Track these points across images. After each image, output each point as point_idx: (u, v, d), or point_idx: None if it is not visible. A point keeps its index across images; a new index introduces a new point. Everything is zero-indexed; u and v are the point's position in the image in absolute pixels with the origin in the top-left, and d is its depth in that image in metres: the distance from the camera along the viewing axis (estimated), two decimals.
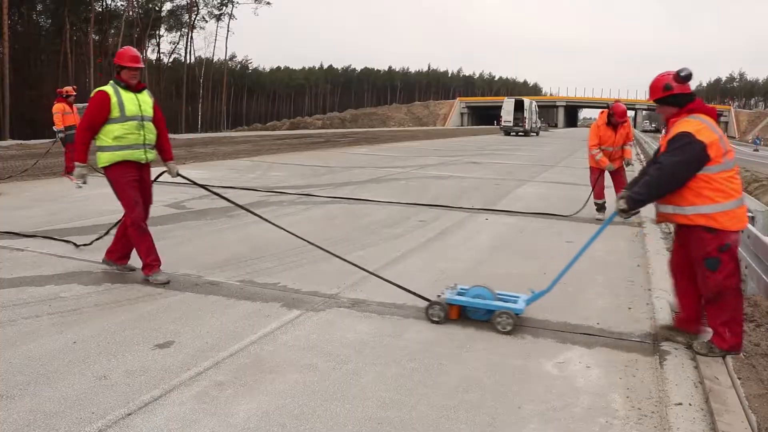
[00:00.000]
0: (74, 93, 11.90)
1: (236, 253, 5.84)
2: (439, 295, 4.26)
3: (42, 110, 46.00)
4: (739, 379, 3.30)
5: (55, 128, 11.56)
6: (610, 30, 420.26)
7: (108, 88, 4.78)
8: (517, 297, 4.19)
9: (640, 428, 2.83)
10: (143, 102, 4.90)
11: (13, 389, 2.96)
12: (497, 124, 56.36)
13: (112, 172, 4.82)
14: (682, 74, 3.60)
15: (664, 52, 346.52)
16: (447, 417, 2.86)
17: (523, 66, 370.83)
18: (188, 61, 74.05)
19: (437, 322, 4.10)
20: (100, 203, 8.41)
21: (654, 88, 3.77)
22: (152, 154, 5.03)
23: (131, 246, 4.98)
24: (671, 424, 2.85)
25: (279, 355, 3.48)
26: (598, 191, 8.59)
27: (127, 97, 4.79)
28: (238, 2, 79.04)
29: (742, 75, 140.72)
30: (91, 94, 4.84)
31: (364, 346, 3.68)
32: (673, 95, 3.67)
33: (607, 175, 8.63)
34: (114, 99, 4.72)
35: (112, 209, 7.97)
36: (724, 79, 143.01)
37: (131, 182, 4.84)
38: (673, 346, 3.83)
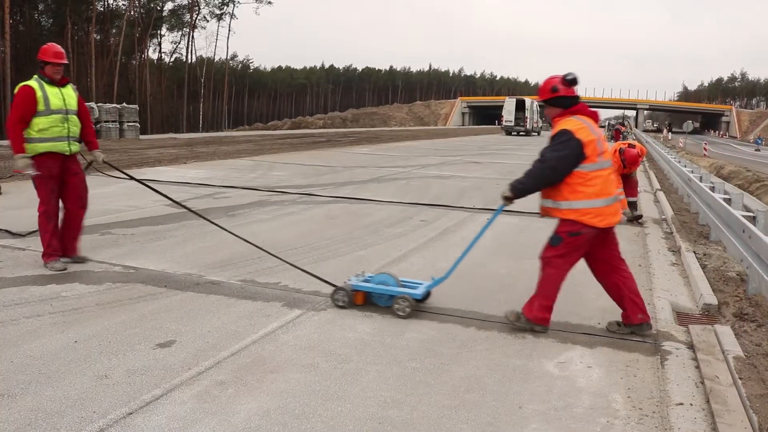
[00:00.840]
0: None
1: (237, 252, 5.84)
2: (345, 282, 4.46)
3: None
4: (741, 379, 3.29)
5: None
6: (611, 29, 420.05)
7: (32, 83, 4.99)
8: (419, 284, 4.44)
9: (641, 428, 2.83)
10: (67, 96, 5.11)
11: (14, 388, 2.96)
12: (498, 124, 56.37)
13: (36, 163, 5.01)
14: (568, 78, 3.89)
15: (665, 51, 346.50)
16: (448, 417, 2.86)
17: (524, 65, 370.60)
18: (189, 61, 74.01)
19: (342, 307, 4.34)
20: (101, 202, 8.42)
21: (543, 89, 4.01)
22: (76, 146, 5.24)
23: (72, 234, 5.24)
24: (672, 424, 2.85)
25: (280, 355, 3.49)
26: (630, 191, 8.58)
27: (52, 91, 5.00)
28: (239, 2, 79.29)
29: (743, 74, 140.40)
30: (16, 90, 5.02)
31: (365, 345, 3.68)
32: (559, 97, 3.92)
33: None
34: (39, 93, 4.93)
35: (114, 208, 7.98)
36: (725, 78, 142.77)
37: (52, 175, 5.06)
38: (674, 346, 3.83)
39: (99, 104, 24.48)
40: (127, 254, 5.61)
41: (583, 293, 4.92)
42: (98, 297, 4.40)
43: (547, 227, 7.74)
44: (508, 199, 4.01)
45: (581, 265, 5.88)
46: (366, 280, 4.47)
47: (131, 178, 6.15)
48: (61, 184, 5.15)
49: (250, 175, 12.73)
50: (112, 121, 23.50)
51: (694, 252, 6.40)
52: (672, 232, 7.71)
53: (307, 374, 3.25)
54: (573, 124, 3.81)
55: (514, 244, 6.77)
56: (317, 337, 3.79)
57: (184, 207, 6.13)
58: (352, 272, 5.23)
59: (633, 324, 3.98)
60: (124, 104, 26.28)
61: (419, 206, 9.04)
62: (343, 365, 3.38)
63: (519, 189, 3.94)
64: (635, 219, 8.33)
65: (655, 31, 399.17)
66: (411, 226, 7.49)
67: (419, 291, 4.30)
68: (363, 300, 4.39)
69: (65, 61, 5.06)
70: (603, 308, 4.55)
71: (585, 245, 3.92)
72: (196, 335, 3.73)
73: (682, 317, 4.48)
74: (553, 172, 3.84)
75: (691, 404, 3.05)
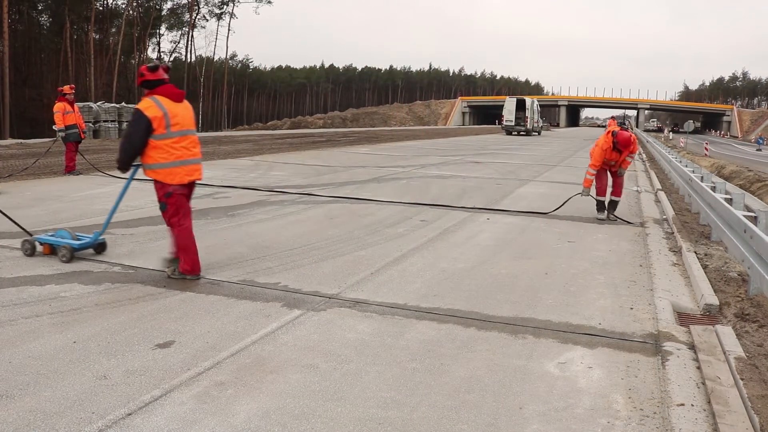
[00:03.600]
0: (71, 92, 11.89)
1: (237, 252, 5.83)
2: (33, 236, 5.51)
3: (42, 109, 46.08)
4: (742, 379, 3.28)
5: (55, 127, 11.56)
6: (612, 29, 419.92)
7: None
8: (86, 238, 5.42)
9: (642, 429, 2.82)
10: None
11: (13, 389, 2.95)
12: (499, 124, 56.34)
13: None
14: (150, 66, 4.88)
15: (666, 51, 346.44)
16: (448, 417, 2.85)
17: (524, 65, 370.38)
18: (189, 60, 73.98)
19: (29, 256, 5.35)
20: (101, 202, 8.41)
21: (137, 74, 5.02)
22: None
23: None
24: (673, 425, 2.84)
25: (280, 355, 3.48)
26: (599, 189, 8.61)
27: None
28: (239, 1, 79.18)
29: (745, 74, 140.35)
30: None
31: (365, 346, 3.67)
32: (145, 80, 4.83)
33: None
34: None
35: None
36: (727, 78, 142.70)
37: None
38: (675, 346, 3.82)
39: (98, 104, 24.46)
40: (126, 254, 5.60)
41: (583, 293, 4.91)
42: (97, 297, 4.39)
43: (547, 227, 7.80)
44: (120, 170, 4.87)
45: (581, 265, 5.87)
46: (52, 235, 5.49)
47: None
48: None
49: (250, 175, 12.72)
50: (111, 121, 23.50)
51: (695, 252, 6.39)
52: (673, 232, 7.70)
53: (307, 375, 3.24)
54: (144, 104, 4.71)
55: (515, 244, 6.76)
56: (317, 337, 3.78)
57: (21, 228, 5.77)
58: (351, 272, 5.23)
59: (185, 274, 4.84)
60: (124, 104, 26.29)
61: (419, 206, 9.03)
62: (342, 366, 3.37)
63: (120, 161, 4.84)
64: (613, 219, 8.44)
65: (656, 31, 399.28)
66: (411, 226, 7.48)
67: (78, 243, 5.30)
68: (49, 251, 5.38)
69: None
70: (603, 308, 4.54)
71: (182, 199, 4.85)
72: (195, 335, 3.72)
73: (683, 318, 4.47)
74: (129, 143, 4.75)
75: (692, 405, 3.04)
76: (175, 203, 4.79)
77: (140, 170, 4.89)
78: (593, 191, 8.70)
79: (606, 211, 8.54)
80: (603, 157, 8.39)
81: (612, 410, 2.98)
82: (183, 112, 4.84)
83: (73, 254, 5.27)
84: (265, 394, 3.01)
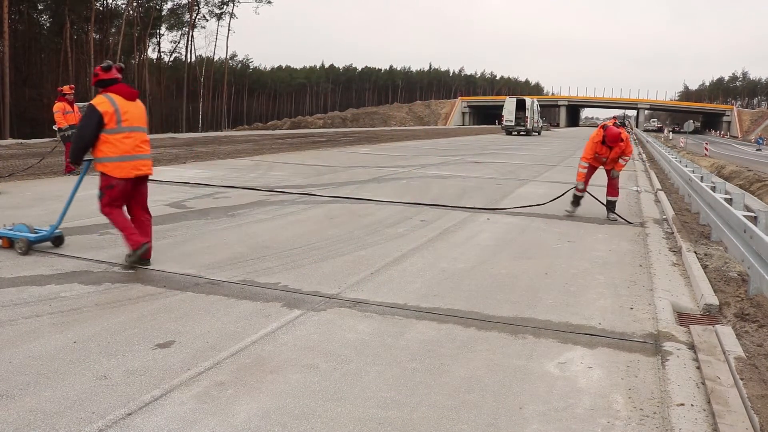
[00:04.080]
0: (71, 92, 11.90)
1: (237, 252, 5.83)
2: None
3: (42, 109, 46.05)
4: (742, 379, 3.28)
5: (55, 127, 11.56)
6: (612, 29, 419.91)
7: None
8: (43, 231, 5.65)
9: (642, 429, 2.82)
10: None
11: (13, 389, 2.95)
12: (499, 124, 56.33)
13: None
14: (103, 66, 5.22)
15: (666, 51, 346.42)
16: (448, 417, 2.85)
17: (524, 65, 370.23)
18: (189, 60, 74.01)
19: None
20: None
21: (92, 74, 5.27)
22: None
23: None
24: (673, 425, 2.84)
25: (280, 355, 3.48)
26: (585, 183, 8.77)
27: None
28: (239, 1, 79.18)
29: (744, 74, 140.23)
30: None
31: (365, 346, 3.67)
32: (99, 80, 5.15)
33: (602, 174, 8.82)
34: None
35: None
36: (726, 78, 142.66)
37: None
38: (675, 346, 3.82)
39: None
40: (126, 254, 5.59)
41: (583, 293, 4.91)
42: (97, 297, 4.39)
43: (547, 227, 7.80)
44: (73, 164, 5.21)
45: (581, 265, 5.87)
46: (11, 229, 5.68)
47: None
48: None
49: (250, 175, 12.72)
50: None
51: (695, 252, 6.39)
52: (673, 232, 7.70)
53: (307, 375, 3.24)
54: (98, 100, 5.04)
55: (515, 244, 6.76)
56: (317, 337, 3.78)
57: None
58: (351, 272, 5.23)
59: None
60: None
61: (419, 206, 9.03)
62: (342, 366, 3.37)
63: (72, 153, 5.17)
64: (614, 219, 8.52)
65: (656, 31, 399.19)
66: (411, 226, 7.48)
67: (34, 236, 5.52)
68: (8, 244, 5.61)
69: None
70: (603, 308, 4.55)
71: (123, 192, 5.13)
72: (195, 335, 3.72)
73: (683, 317, 4.47)
74: (81, 137, 5.06)
75: (692, 405, 3.04)
76: (112, 195, 5.11)
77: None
78: (601, 190, 8.78)
79: (609, 212, 8.60)
80: (594, 150, 8.52)
81: (612, 410, 2.98)
82: (134, 109, 5.17)
83: (30, 246, 5.50)
84: (265, 394, 3.01)
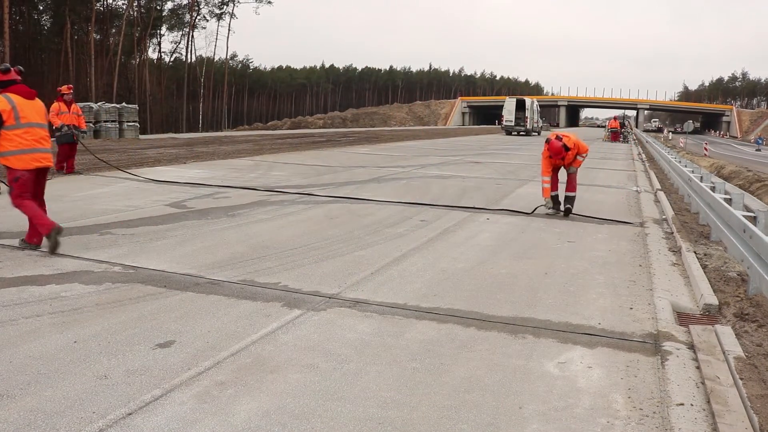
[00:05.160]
0: (68, 92, 11.89)
1: (237, 252, 5.84)
2: None
3: None
4: (741, 379, 3.29)
5: (54, 127, 11.56)
6: (612, 29, 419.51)
7: None
8: None
9: (642, 429, 2.82)
10: None
11: (13, 389, 2.96)
12: (499, 124, 56.33)
13: None
14: (2, 68, 5.57)
15: (666, 51, 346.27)
16: (448, 417, 2.85)
17: (524, 65, 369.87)
18: (189, 61, 74.06)
19: None
20: (101, 203, 8.41)
21: None
22: None
23: None
24: (673, 424, 2.85)
25: (280, 355, 3.48)
26: (552, 185, 8.92)
27: None
28: (239, 1, 79.17)
29: (744, 74, 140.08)
30: None
31: (365, 346, 3.67)
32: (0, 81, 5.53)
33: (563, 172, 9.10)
34: None
35: (113, 208, 7.98)
36: (726, 78, 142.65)
37: None
38: (674, 346, 3.82)
39: (98, 104, 24.46)
40: (126, 254, 5.60)
41: (582, 293, 4.91)
42: (98, 297, 4.40)
43: (546, 227, 7.80)
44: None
45: (581, 265, 5.88)
46: None
47: None
48: None
49: (250, 175, 12.72)
50: (112, 121, 23.46)
51: (695, 252, 6.40)
52: (672, 232, 7.70)
53: (307, 374, 3.25)
54: None
55: (515, 244, 6.77)
56: (317, 337, 3.78)
57: None
58: (352, 272, 5.23)
59: (30, 244, 5.62)
60: (124, 104, 26.26)
61: (419, 206, 9.03)
62: (343, 365, 3.38)
63: None
64: (565, 212, 8.70)
65: (656, 31, 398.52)
66: (411, 226, 7.49)
67: None
68: None
69: None
70: (603, 308, 4.55)
71: (28, 183, 5.56)
72: (195, 335, 3.72)
73: (683, 317, 4.48)
74: None
75: (692, 405, 3.05)
76: (21, 187, 5.54)
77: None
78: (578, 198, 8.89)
79: (560, 205, 8.83)
80: (550, 165, 8.79)
81: (611, 410, 2.99)
82: (32, 108, 5.61)
83: None
84: (265, 393, 3.01)
